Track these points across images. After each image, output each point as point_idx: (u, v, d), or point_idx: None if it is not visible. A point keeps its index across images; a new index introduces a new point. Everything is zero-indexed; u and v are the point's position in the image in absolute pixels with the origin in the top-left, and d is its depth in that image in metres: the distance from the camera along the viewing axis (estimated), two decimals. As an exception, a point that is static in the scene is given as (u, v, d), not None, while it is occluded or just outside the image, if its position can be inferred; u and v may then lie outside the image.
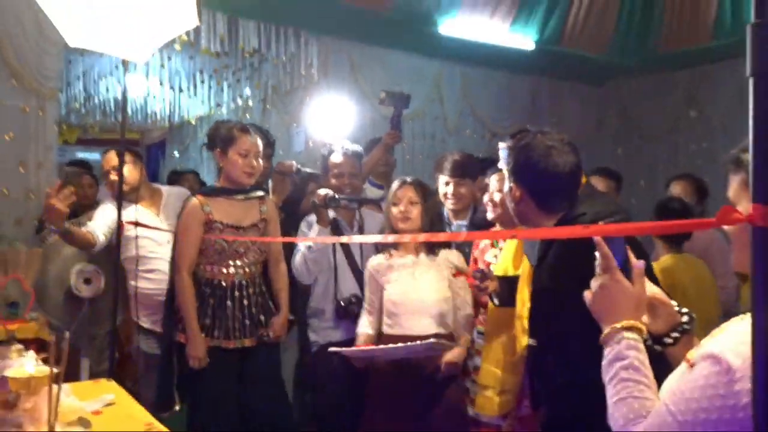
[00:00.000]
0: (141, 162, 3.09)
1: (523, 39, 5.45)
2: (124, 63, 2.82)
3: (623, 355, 1.06)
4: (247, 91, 5.95)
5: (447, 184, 2.78)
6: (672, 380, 1.03)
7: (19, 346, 1.54)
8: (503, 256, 2.49)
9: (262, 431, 2.52)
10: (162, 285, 2.76)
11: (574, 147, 1.77)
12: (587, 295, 1.16)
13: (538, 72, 6.18)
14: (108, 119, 7.02)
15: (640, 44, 5.81)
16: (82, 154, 7.42)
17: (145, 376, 2.76)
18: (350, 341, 2.71)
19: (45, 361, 1.61)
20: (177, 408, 2.42)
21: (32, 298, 1.56)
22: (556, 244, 1.68)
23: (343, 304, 2.75)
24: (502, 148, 1.96)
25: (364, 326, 2.60)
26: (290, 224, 2.94)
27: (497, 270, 2.42)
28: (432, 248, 2.54)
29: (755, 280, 0.83)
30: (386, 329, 2.55)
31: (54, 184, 2.50)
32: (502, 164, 1.94)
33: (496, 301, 2.33)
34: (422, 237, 2.44)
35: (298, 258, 2.75)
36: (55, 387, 1.37)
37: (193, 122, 6.94)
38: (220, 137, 2.62)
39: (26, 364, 1.49)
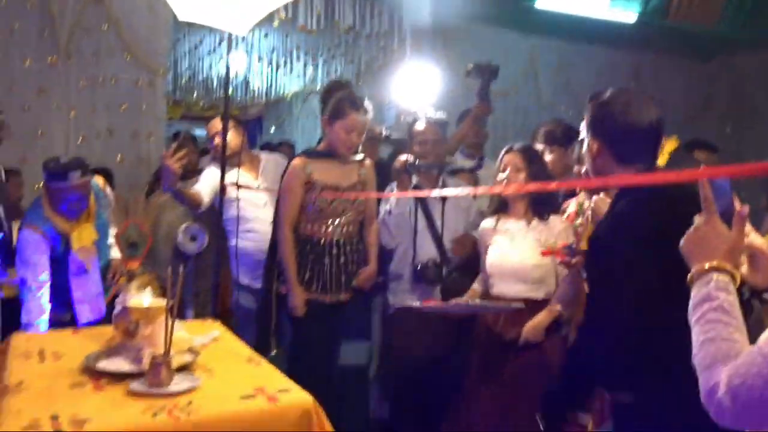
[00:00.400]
0: (242, 129, 3.26)
1: (624, 12, 5.24)
2: (229, 39, 2.99)
3: (713, 296, 1.01)
4: (341, 68, 6.08)
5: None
6: None
7: (139, 282, 1.72)
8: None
9: (346, 380, 2.63)
10: (260, 244, 2.91)
11: (656, 103, 1.72)
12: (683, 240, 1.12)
13: (641, 46, 5.91)
14: (211, 96, 7.37)
15: (753, 15, 5.43)
16: (181, 127, 7.87)
17: (243, 328, 2.94)
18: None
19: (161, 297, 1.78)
20: (273, 353, 2.57)
21: (149, 241, 1.72)
22: (627, 199, 1.64)
23: (419, 268, 2.81)
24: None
25: (476, 282, 2.67)
26: (379, 190, 3.01)
27: (585, 241, 2.38)
28: (541, 214, 2.53)
29: None
30: (489, 289, 2.61)
31: (163, 154, 2.70)
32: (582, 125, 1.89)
33: (584, 274, 2.29)
34: (512, 189, 2.41)
35: (380, 223, 2.84)
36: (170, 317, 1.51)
37: (288, 98, 7.17)
38: (332, 106, 2.68)
39: (144, 298, 1.66)
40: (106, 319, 2.48)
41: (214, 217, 3.14)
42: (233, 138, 3.03)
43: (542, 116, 6.11)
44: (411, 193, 2.75)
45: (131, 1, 4.42)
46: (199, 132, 9.97)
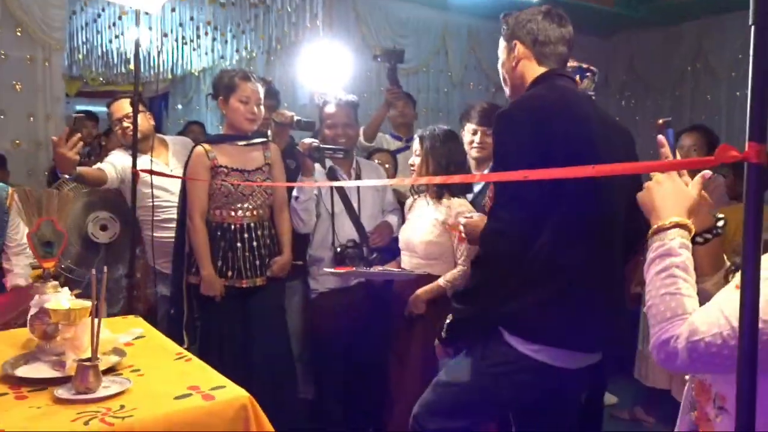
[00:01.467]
0: (151, 112, 3.13)
1: (530, -10, 5.41)
2: (137, 15, 2.85)
3: (677, 253, 1.07)
4: (250, 44, 5.91)
5: (474, 132, 2.77)
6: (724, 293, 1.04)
7: (55, 283, 1.64)
8: None
9: (263, 367, 2.65)
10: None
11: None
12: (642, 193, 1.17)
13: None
14: (111, 71, 6.97)
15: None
16: (82, 107, 7.42)
17: (166, 318, 2.88)
18: (347, 288, 2.86)
19: (77, 296, 1.71)
20: (185, 347, 2.53)
21: (65, 238, 1.65)
22: None
23: (339, 250, 2.85)
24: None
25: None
26: (289, 175, 3.00)
27: None
28: (439, 196, 2.62)
29: (747, 214, 0.91)
30: (400, 263, 2.77)
31: (53, 140, 2.53)
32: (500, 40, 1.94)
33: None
34: (436, 179, 2.46)
35: (290, 209, 2.84)
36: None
37: (197, 74, 6.91)
38: (223, 85, 2.69)
39: (62, 299, 1.59)
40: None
41: (125, 206, 3.04)
42: (142, 122, 2.91)
43: (453, 94, 6.26)
44: (316, 184, 2.78)
45: (22, -27, 4.10)
46: (98, 109, 9.46)
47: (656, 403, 3.41)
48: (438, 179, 2.46)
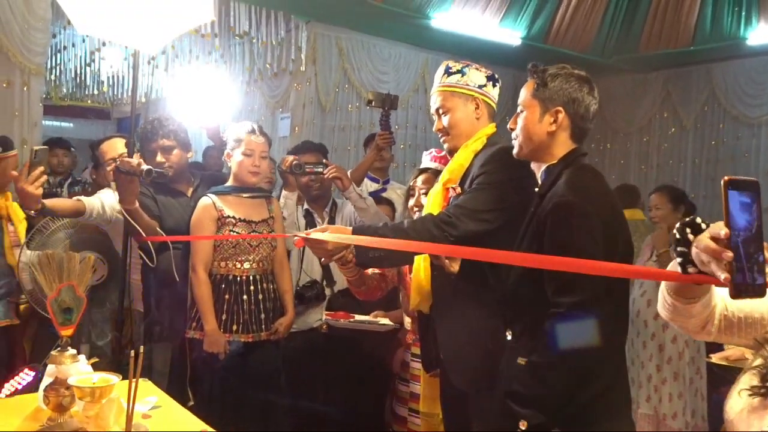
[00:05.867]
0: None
1: (510, 34, 5.55)
2: (135, 53, 2.80)
3: None
4: (229, 73, 5.88)
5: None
6: None
7: (73, 352, 1.56)
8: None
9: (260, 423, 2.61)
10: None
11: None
12: None
13: (521, 66, 6.27)
14: (81, 92, 6.83)
15: (620, 45, 5.99)
16: (48, 122, 7.20)
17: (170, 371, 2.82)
18: (305, 331, 2.95)
19: (94, 366, 1.65)
20: (191, 404, 2.46)
21: (85, 304, 1.59)
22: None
23: (299, 288, 2.95)
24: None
25: None
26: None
27: None
28: None
29: None
30: None
31: (12, 176, 2.36)
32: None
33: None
34: (462, 251, 2.39)
35: None
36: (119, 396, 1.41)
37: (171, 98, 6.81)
38: (228, 138, 2.72)
39: (81, 367, 1.52)
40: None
41: (113, 248, 2.96)
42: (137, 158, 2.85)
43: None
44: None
45: (4, -2, 3.97)
46: (65, 124, 9.17)
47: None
48: (467, 251, 2.37)
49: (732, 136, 5.96)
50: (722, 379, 3.25)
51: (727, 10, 5.12)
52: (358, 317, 2.81)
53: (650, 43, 5.81)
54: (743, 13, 5.06)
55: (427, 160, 2.56)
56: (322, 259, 2.07)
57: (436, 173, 2.39)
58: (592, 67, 6.61)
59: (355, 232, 1.91)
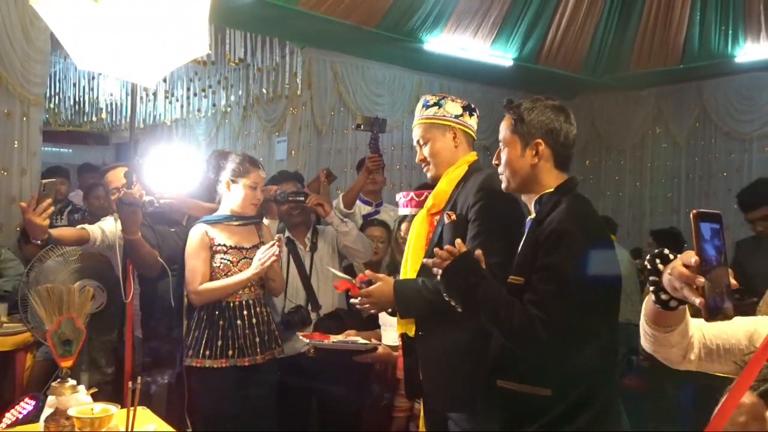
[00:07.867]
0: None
1: (502, 56, 5.64)
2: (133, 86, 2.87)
3: None
4: (225, 98, 5.97)
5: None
6: None
7: (73, 383, 1.60)
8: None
9: None
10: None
11: None
12: None
13: (513, 86, 6.38)
14: (80, 118, 6.91)
15: (611, 63, 6.09)
16: (45, 148, 7.26)
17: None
18: (293, 356, 2.93)
19: (94, 395, 1.68)
20: (189, 431, 2.49)
21: (84, 336, 1.63)
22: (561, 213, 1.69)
23: (286, 313, 2.97)
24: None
25: None
26: None
27: None
28: None
29: None
30: None
31: (22, 206, 2.41)
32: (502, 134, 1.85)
33: None
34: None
35: None
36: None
37: (169, 123, 6.89)
38: (232, 169, 2.74)
39: (81, 398, 1.56)
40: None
41: (114, 276, 2.99)
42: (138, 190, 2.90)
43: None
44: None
45: (3, 30, 4.04)
46: (64, 150, 9.22)
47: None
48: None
49: (724, 151, 6.04)
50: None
51: (714, 29, 5.22)
52: (333, 338, 2.79)
53: (640, 62, 5.90)
54: (730, 32, 5.16)
55: (402, 210, 2.67)
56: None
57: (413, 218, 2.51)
58: (584, 86, 6.80)
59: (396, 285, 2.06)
